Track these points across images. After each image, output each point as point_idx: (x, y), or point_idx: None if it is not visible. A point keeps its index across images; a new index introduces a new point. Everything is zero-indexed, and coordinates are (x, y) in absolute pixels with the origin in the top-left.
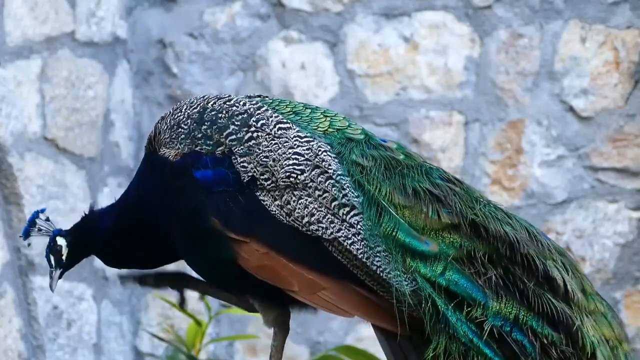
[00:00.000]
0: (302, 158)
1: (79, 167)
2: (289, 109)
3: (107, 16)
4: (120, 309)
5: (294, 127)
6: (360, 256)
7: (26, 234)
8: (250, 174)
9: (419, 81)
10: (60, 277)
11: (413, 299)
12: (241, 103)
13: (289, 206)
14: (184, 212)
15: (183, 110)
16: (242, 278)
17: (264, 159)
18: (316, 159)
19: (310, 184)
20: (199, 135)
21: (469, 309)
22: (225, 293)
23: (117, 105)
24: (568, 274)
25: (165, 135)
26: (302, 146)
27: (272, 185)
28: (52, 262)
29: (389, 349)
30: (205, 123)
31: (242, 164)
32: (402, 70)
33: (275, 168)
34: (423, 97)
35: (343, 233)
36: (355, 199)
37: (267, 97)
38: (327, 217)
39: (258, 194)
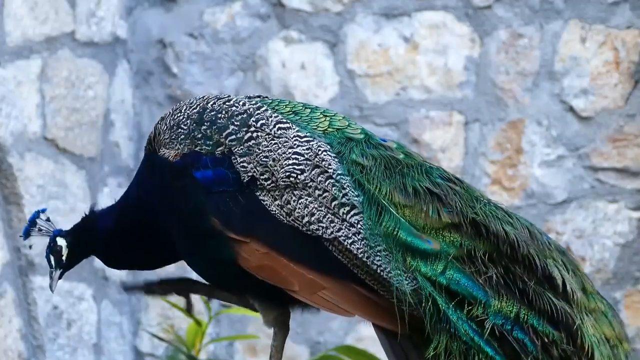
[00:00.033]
0: (302, 158)
1: (79, 167)
2: (288, 109)
3: (107, 16)
4: (120, 309)
5: (294, 127)
6: (360, 255)
7: (27, 234)
8: (250, 174)
9: (419, 81)
10: (60, 278)
11: (414, 298)
12: (241, 103)
13: (289, 206)
14: (184, 212)
15: (183, 110)
16: (242, 278)
17: (264, 159)
18: (316, 159)
19: (310, 183)
20: (199, 136)
21: (469, 307)
22: (233, 296)
23: (117, 105)
24: (568, 273)
25: (165, 136)
26: (301, 146)
27: (272, 185)
28: (52, 262)
29: (390, 348)
30: (205, 123)
31: (242, 164)
32: (402, 70)
33: (275, 168)
34: (423, 97)
35: (343, 232)
36: (356, 198)
37: (266, 97)
38: (327, 217)
39: (258, 194)
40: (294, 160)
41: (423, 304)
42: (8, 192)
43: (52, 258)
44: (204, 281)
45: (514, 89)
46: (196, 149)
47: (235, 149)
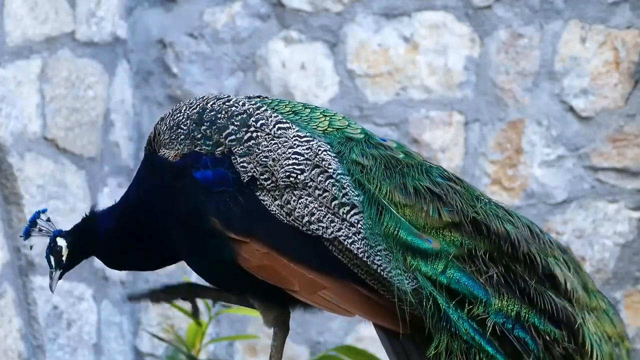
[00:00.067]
0: (302, 158)
1: (79, 167)
2: (288, 109)
3: (107, 16)
4: (120, 309)
5: (294, 127)
6: (360, 255)
7: (27, 234)
8: (250, 174)
9: (419, 81)
10: (60, 278)
11: (414, 297)
12: (240, 103)
13: (289, 206)
14: (184, 212)
15: (182, 111)
16: (242, 278)
17: (264, 159)
18: (316, 159)
19: (310, 183)
20: (199, 136)
21: (470, 306)
22: (239, 299)
23: (117, 105)
24: (570, 271)
25: (164, 136)
26: (301, 146)
27: (272, 185)
28: (52, 262)
29: (391, 348)
30: (205, 123)
31: (241, 164)
32: (402, 70)
33: (275, 168)
34: (423, 97)
35: (343, 232)
36: (356, 198)
37: (266, 97)
38: (327, 217)
39: (258, 193)
40: (294, 160)
41: (424, 304)
42: (8, 192)
43: (52, 258)
44: (206, 283)
45: (514, 89)
46: (196, 149)
47: (235, 149)
